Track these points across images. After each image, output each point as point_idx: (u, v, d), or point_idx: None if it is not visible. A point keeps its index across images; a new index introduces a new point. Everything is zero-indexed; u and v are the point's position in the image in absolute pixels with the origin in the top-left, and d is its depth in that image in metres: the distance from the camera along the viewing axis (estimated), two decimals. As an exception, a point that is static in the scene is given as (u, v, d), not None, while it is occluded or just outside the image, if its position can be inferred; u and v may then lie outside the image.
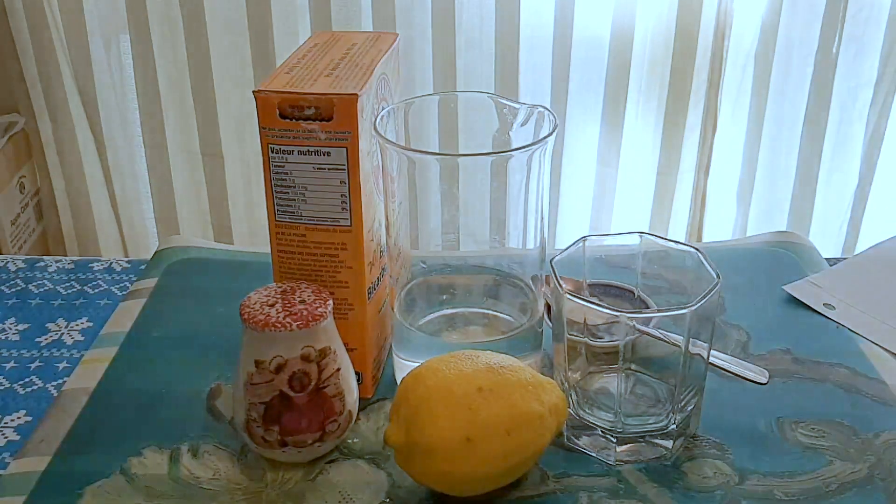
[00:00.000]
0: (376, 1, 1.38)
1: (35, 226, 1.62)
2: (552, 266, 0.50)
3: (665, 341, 0.50)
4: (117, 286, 0.75)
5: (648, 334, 0.51)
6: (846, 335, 0.62)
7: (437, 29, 1.38)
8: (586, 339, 0.50)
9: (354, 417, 0.51)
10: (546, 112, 0.53)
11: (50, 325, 0.70)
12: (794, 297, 0.66)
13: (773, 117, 1.42)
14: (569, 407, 0.50)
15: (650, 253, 0.54)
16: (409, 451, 0.46)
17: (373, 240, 0.53)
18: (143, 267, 0.74)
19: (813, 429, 0.53)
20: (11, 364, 0.65)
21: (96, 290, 0.74)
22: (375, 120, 0.51)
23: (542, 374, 0.50)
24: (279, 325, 0.46)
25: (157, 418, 0.55)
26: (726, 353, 0.59)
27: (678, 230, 1.51)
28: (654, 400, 0.52)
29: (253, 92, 0.49)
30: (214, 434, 0.53)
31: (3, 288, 0.74)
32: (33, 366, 0.65)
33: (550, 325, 0.54)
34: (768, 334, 0.62)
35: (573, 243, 0.53)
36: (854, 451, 0.52)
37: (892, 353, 0.60)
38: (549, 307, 0.54)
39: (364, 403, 0.55)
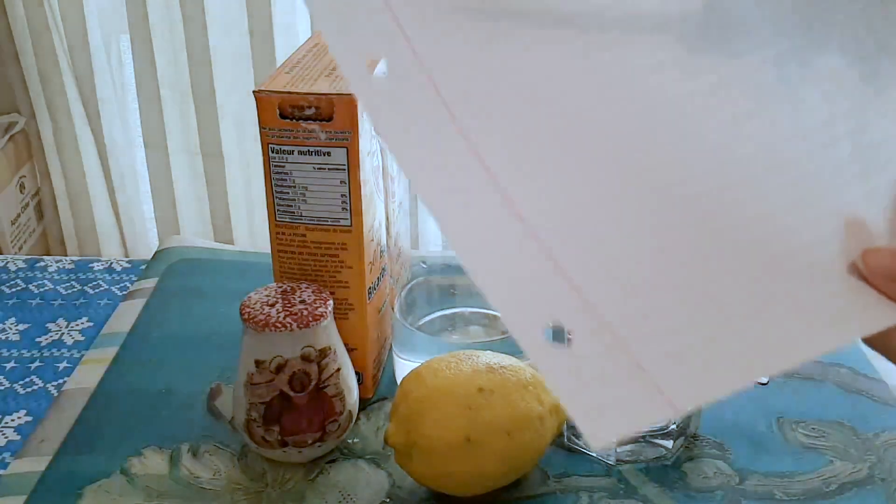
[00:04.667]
0: (376, 1, 1.37)
1: (35, 226, 1.62)
2: (552, 266, 0.50)
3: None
4: (117, 286, 0.75)
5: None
6: (846, 335, 0.62)
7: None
8: (586, 339, 0.50)
9: (355, 417, 0.51)
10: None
11: (50, 325, 0.70)
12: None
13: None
14: (569, 407, 0.50)
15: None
16: (409, 452, 0.46)
17: (373, 240, 0.53)
18: (143, 267, 0.74)
19: (813, 429, 0.53)
20: (12, 364, 0.65)
21: (96, 290, 0.74)
22: (375, 120, 0.51)
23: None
24: (279, 325, 0.46)
25: (158, 418, 0.55)
26: (726, 353, 0.59)
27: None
28: (655, 400, 0.52)
29: (253, 92, 0.49)
30: (215, 434, 0.53)
31: (3, 288, 0.74)
32: (33, 366, 0.65)
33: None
34: (768, 334, 0.62)
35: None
36: (854, 451, 0.52)
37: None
38: (549, 307, 0.54)
39: (364, 403, 0.55)
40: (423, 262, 0.58)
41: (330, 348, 0.48)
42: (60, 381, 0.63)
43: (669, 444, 0.51)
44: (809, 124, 0.33)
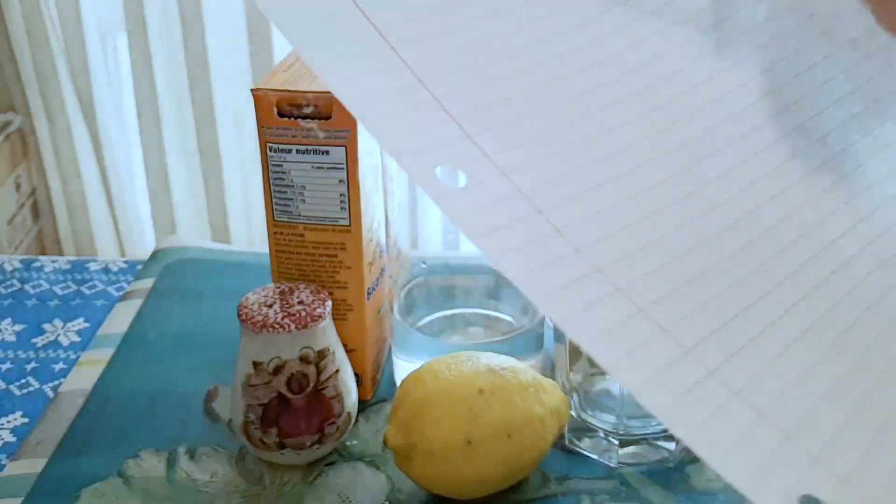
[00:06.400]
0: None
1: (31, 226, 1.61)
2: (553, 266, 0.49)
3: (667, 342, 0.50)
4: (114, 286, 0.75)
5: (650, 335, 0.51)
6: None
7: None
8: (588, 340, 0.50)
9: (353, 419, 0.51)
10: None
11: (46, 326, 0.69)
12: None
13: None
14: (570, 409, 0.50)
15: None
16: (408, 454, 0.45)
17: (372, 240, 0.52)
18: (139, 267, 0.73)
19: (816, 430, 0.53)
20: (7, 365, 0.65)
21: (93, 291, 0.74)
22: (375, 119, 0.50)
23: (544, 375, 0.50)
24: (277, 326, 0.46)
25: (155, 420, 0.54)
26: (728, 354, 0.59)
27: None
28: (656, 401, 0.52)
29: (251, 90, 0.48)
30: (212, 436, 0.53)
31: (-2, 288, 0.74)
32: (29, 367, 0.65)
33: (552, 325, 0.54)
34: (770, 335, 0.62)
35: (574, 243, 0.52)
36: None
37: None
38: (550, 308, 0.53)
39: (363, 405, 0.54)
40: (423, 263, 0.57)
41: (328, 349, 0.48)
42: (57, 382, 0.62)
43: (672, 446, 0.50)
44: (890, 192, 0.33)
